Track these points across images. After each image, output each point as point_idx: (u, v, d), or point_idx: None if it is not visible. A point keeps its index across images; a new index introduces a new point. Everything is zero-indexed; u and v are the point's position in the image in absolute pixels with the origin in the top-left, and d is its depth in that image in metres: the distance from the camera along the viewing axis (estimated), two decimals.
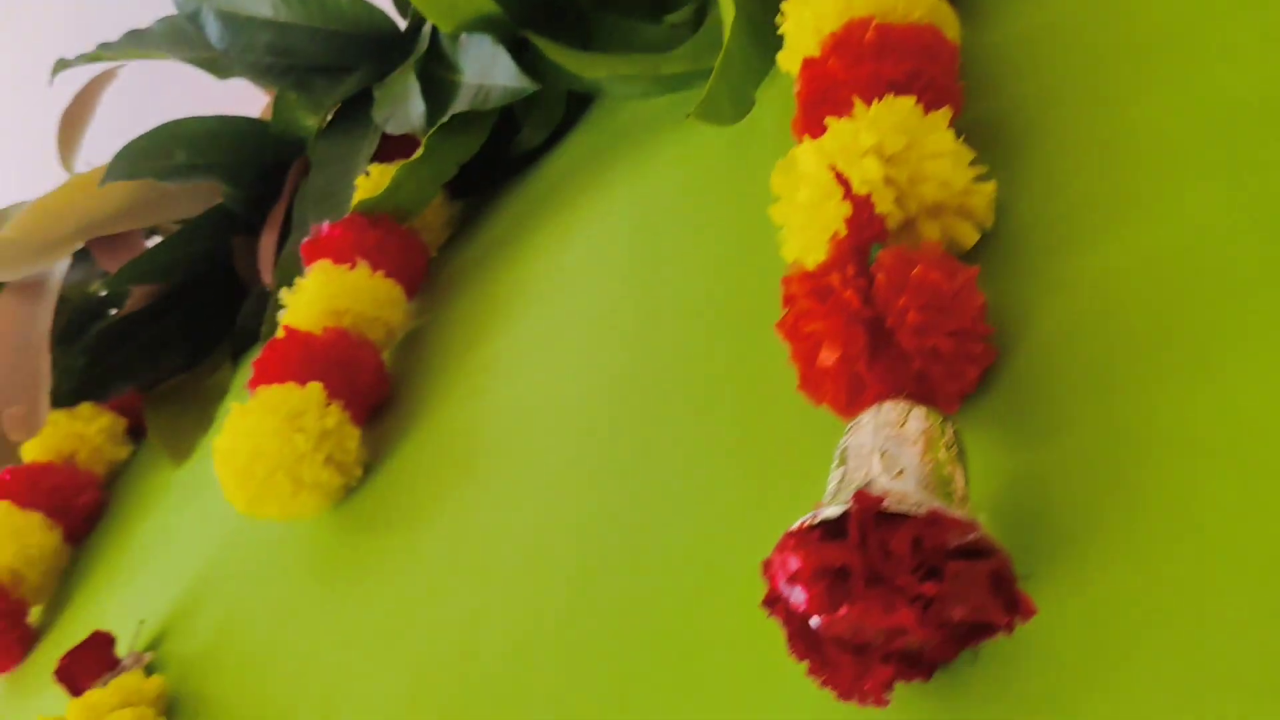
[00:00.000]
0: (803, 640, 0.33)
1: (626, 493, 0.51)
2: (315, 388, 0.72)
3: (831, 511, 0.31)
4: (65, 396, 1.13)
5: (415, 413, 0.76)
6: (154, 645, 0.81)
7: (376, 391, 0.78)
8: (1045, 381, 0.39)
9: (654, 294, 0.61)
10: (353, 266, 0.81)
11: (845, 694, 0.33)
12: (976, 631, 0.31)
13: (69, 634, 0.94)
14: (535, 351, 0.69)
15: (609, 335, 0.62)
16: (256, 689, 0.68)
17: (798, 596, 0.32)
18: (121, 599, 0.93)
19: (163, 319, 1.16)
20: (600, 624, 0.48)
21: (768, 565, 0.33)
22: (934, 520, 0.30)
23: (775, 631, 0.39)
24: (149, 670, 0.76)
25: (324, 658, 0.64)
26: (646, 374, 0.56)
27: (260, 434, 0.69)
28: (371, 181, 0.90)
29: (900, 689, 0.34)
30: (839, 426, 0.42)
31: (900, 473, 0.33)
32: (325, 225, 0.85)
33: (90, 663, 0.78)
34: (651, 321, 0.59)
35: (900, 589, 0.30)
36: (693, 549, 0.46)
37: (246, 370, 1.08)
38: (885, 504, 0.31)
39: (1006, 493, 0.37)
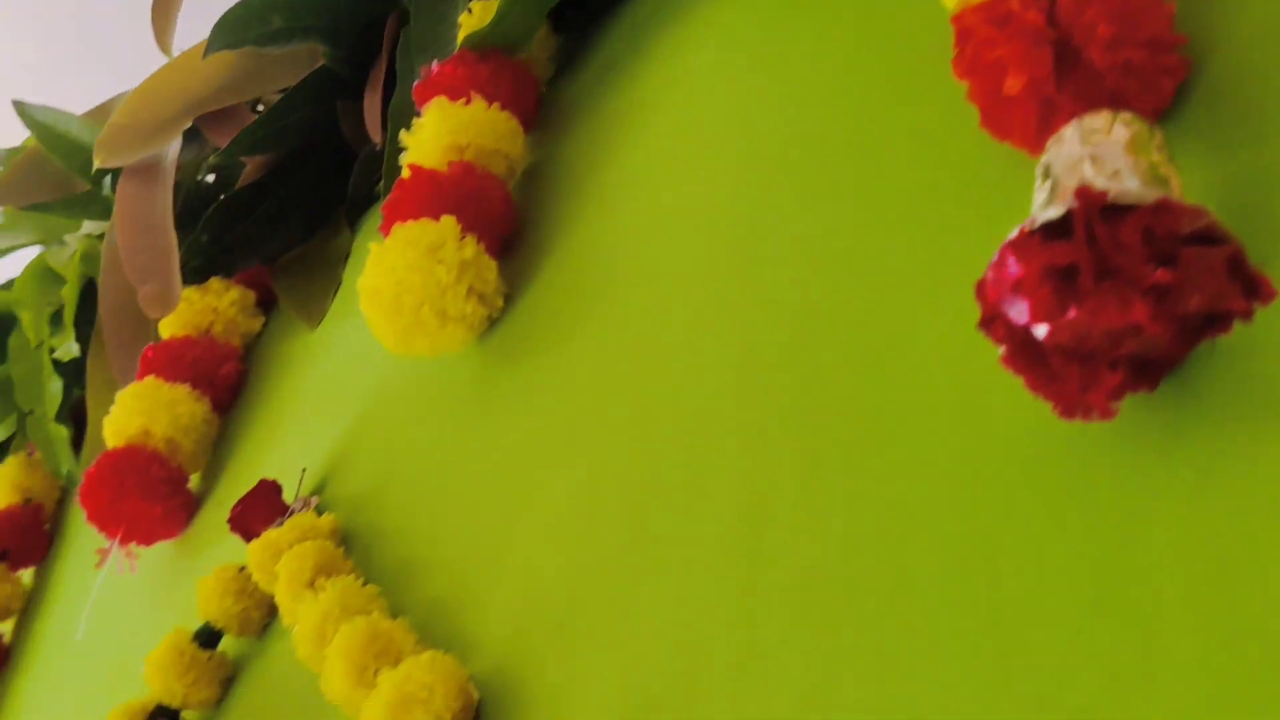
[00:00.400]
0: (1022, 356, 0.32)
1: (792, 265, 0.51)
2: (449, 221, 0.72)
3: (1052, 212, 0.30)
4: (193, 274, 1.16)
5: (547, 241, 0.76)
6: (319, 490, 0.84)
7: (506, 223, 0.78)
8: (1246, 89, 0.37)
9: (795, 75, 0.59)
10: (468, 101, 0.80)
11: (1068, 409, 0.33)
12: (1211, 323, 0.30)
13: (229, 497, 0.97)
14: (668, 158, 0.68)
15: (748, 124, 0.61)
16: (430, 514, 0.70)
17: (1019, 307, 0.31)
18: (278, 456, 0.96)
19: (277, 191, 1.17)
20: (778, 398, 0.48)
21: (982, 284, 0.32)
22: (1163, 207, 0.29)
23: (978, 367, 0.38)
24: (319, 511, 0.79)
25: (494, 476, 0.66)
26: (797, 150, 0.55)
27: (402, 268, 0.70)
28: (474, 19, 0.88)
29: (1125, 406, 0.33)
30: (1020, 167, 0.40)
31: (1116, 173, 0.31)
32: (435, 65, 0.84)
33: (261, 509, 0.81)
34: (794, 102, 0.58)
35: (1133, 281, 0.29)
36: (871, 307, 0.45)
37: (365, 234, 1.09)
38: (1110, 197, 0.29)
39: (1219, 203, 0.35)
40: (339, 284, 1.07)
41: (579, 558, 0.55)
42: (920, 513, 0.39)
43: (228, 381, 1.10)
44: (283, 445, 0.97)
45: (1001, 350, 0.33)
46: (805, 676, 0.40)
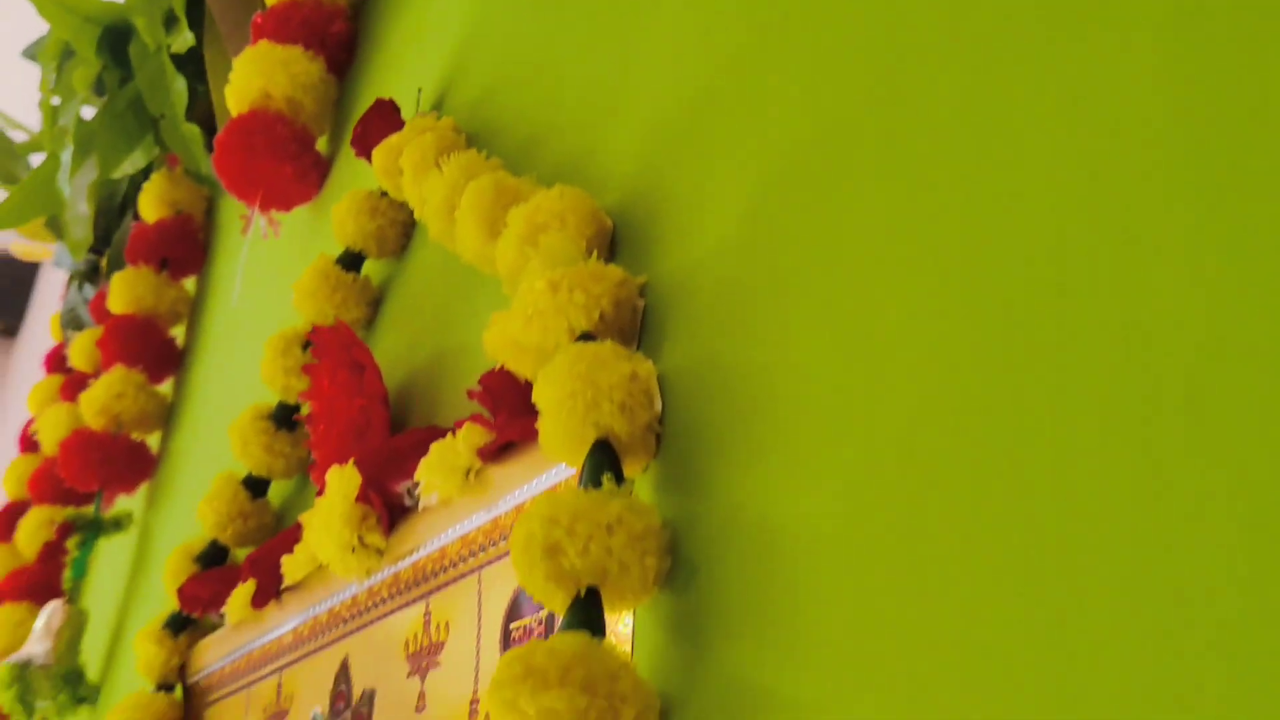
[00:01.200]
0: None
1: None
2: None
3: None
4: None
5: None
6: (437, 105, 0.81)
7: None
8: None
9: None
10: None
11: None
12: None
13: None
14: None
15: None
16: (545, 95, 0.67)
17: None
18: (392, 87, 0.94)
19: None
20: None
21: None
22: None
23: None
24: (438, 117, 0.76)
25: (602, 50, 0.62)
26: None
27: None
28: None
29: None
30: None
31: None
32: None
33: (380, 126, 0.79)
34: None
35: None
36: None
37: None
38: None
39: None
40: None
41: (697, 77, 0.52)
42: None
43: (339, 40, 1.07)
44: (397, 73, 0.95)
45: None
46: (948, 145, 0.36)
